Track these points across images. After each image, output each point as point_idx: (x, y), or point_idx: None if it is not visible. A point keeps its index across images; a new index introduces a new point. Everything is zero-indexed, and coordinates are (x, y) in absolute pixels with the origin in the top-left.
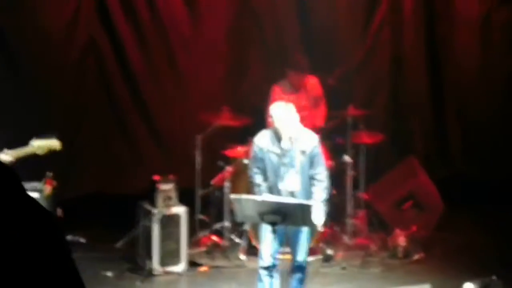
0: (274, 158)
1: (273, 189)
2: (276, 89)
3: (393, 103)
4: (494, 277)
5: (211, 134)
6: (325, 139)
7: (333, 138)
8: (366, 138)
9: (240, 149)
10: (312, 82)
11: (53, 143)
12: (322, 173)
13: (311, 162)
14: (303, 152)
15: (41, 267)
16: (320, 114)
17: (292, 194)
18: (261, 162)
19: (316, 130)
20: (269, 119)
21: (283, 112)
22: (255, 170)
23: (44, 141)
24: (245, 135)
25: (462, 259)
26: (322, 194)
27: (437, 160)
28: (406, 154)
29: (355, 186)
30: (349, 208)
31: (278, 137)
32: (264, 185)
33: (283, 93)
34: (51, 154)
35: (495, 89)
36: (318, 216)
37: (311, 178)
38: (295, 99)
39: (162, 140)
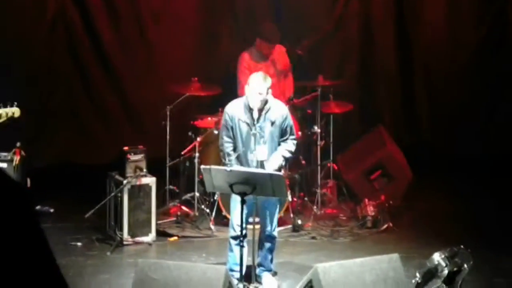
0: (244, 128)
1: (242, 159)
2: (245, 56)
3: (362, 73)
4: (461, 246)
5: (181, 104)
6: (294, 109)
7: (302, 109)
8: (335, 108)
9: (210, 120)
10: (281, 52)
11: (12, 110)
12: (291, 139)
13: (281, 133)
14: (272, 123)
15: (9, 238)
16: (289, 84)
17: (261, 164)
18: (231, 131)
19: (285, 100)
20: (240, 90)
21: (256, 84)
22: (225, 139)
23: (2, 109)
24: (215, 106)
25: (430, 229)
26: (286, 149)
27: (404, 129)
28: (374, 124)
29: (324, 156)
30: (318, 178)
31: (249, 107)
32: (233, 155)
33: (252, 61)
34: (15, 122)
35: (463, 61)
36: (272, 163)
37: (279, 144)
38: (264, 68)
39: (132, 111)
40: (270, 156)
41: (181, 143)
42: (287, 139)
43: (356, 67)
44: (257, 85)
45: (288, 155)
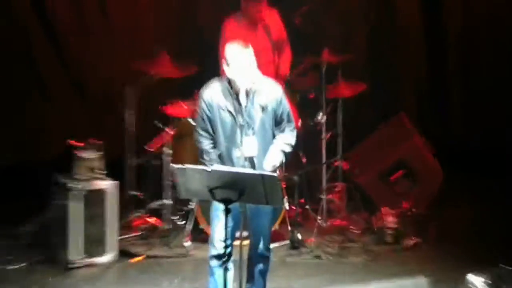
0: (227, 117)
1: (226, 157)
2: (229, 24)
3: (377, 45)
4: (501, 266)
5: (146, 87)
6: (291, 93)
7: (302, 92)
8: (345, 90)
9: (183, 106)
10: (274, 17)
11: None
12: (289, 129)
13: (275, 121)
14: (264, 108)
15: None
16: (285, 60)
17: (250, 161)
18: (209, 123)
19: (280, 80)
20: (222, 66)
21: (240, 56)
22: (202, 133)
23: None
24: (190, 88)
25: (463, 243)
26: (285, 142)
27: (432, 118)
28: (394, 111)
29: (331, 152)
30: (323, 180)
31: (232, 90)
32: (214, 152)
33: (238, 29)
34: None
35: (506, 43)
36: (269, 160)
37: (275, 136)
38: (254, 37)
39: (86, 96)
40: (263, 151)
41: (148, 136)
42: (283, 129)
43: (369, 38)
44: (238, 56)
45: (287, 149)
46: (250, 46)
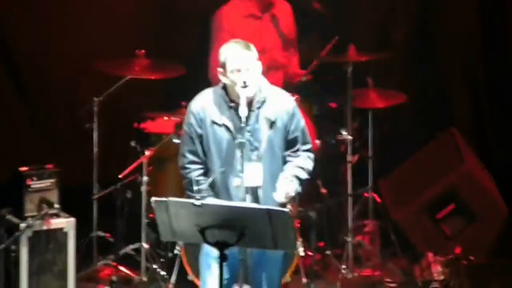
0: (224, 135)
1: (221, 187)
2: (225, 11)
3: (419, 43)
4: None
5: (118, 95)
6: (307, 103)
7: (321, 101)
8: (378, 100)
9: (166, 120)
10: (284, 8)
11: None
12: (304, 151)
13: (287, 141)
14: (272, 124)
15: None
16: (294, 60)
17: (254, 193)
18: (199, 144)
19: (291, 87)
20: (215, 69)
21: (240, 56)
22: (191, 156)
23: None
24: (175, 97)
25: None
26: (300, 167)
27: (493, 136)
28: (443, 127)
29: (359, 180)
30: (349, 218)
31: (230, 101)
32: (206, 181)
33: (238, 16)
34: None
35: None
36: (283, 187)
37: (287, 161)
38: (259, 27)
39: (39, 110)
40: (270, 180)
41: (119, 160)
42: (297, 150)
43: (410, 32)
44: (239, 56)
45: (303, 176)
46: (253, 46)
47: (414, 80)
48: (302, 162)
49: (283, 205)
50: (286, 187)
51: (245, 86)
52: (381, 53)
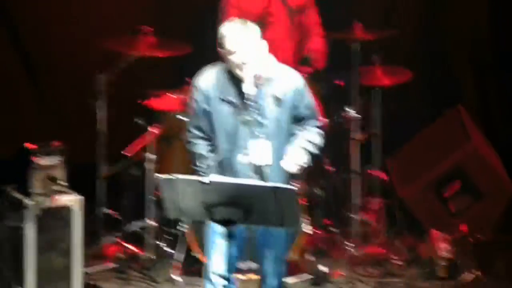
0: (229, 112)
1: (227, 165)
2: None
3: (427, 18)
4: None
5: (124, 73)
6: (313, 80)
7: (327, 79)
8: (384, 78)
9: (171, 97)
10: None
11: None
12: (313, 126)
13: (295, 118)
14: (278, 101)
15: None
16: (317, 47)
17: (260, 171)
18: (205, 119)
19: (297, 62)
20: (219, 47)
21: (236, 38)
22: (197, 132)
23: None
24: (180, 74)
25: None
26: (309, 140)
27: (500, 114)
28: (449, 104)
29: (366, 158)
30: (356, 195)
31: (235, 77)
32: (212, 158)
33: None
34: None
35: None
36: (293, 156)
37: (293, 133)
38: (265, 4)
39: (45, 87)
40: (277, 158)
41: (125, 138)
42: (306, 126)
43: (418, 7)
44: (234, 38)
45: (312, 149)
46: (251, 25)
47: (421, 58)
48: (311, 136)
49: (290, 178)
50: (295, 156)
51: (243, 66)
52: (388, 31)
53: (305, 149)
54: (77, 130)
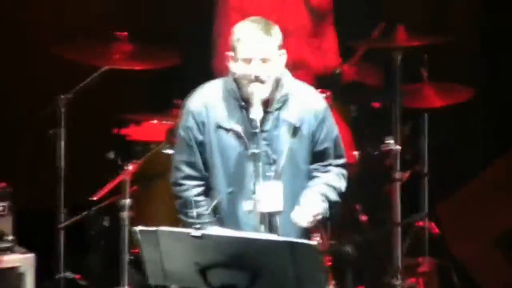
0: (233, 144)
1: (228, 212)
2: None
3: (490, 23)
4: None
5: (91, 92)
6: (341, 103)
7: (360, 100)
8: (435, 97)
9: (154, 124)
10: None
11: None
12: (336, 167)
13: (314, 153)
14: (295, 130)
15: None
16: (330, 46)
17: (269, 221)
18: (202, 151)
19: (322, 81)
20: (220, 57)
21: (254, 43)
22: (188, 169)
23: None
24: (166, 94)
25: None
26: (330, 185)
27: None
28: None
29: (410, 204)
30: (398, 253)
31: (240, 98)
32: (208, 203)
33: None
34: None
35: None
36: (308, 207)
37: (313, 176)
38: (280, 8)
39: None
40: (291, 204)
41: (93, 178)
42: (327, 165)
43: (477, 7)
44: (252, 42)
45: (333, 197)
46: (276, 29)
47: (484, 71)
48: (333, 179)
49: (307, 233)
50: (312, 206)
51: (256, 82)
52: (439, 37)
53: (326, 196)
54: (30, 168)
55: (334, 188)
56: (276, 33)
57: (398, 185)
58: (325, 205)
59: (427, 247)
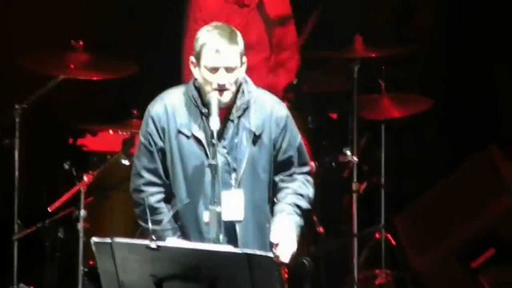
0: (194, 151)
1: (190, 221)
2: None
3: (449, 30)
4: None
5: (48, 102)
6: (299, 113)
7: (317, 110)
8: (392, 109)
9: (111, 135)
10: None
11: None
12: (302, 174)
13: (276, 161)
14: (257, 137)
15: None
16: (288, 57)
17: (231, 229)
18: (159, 159)
19: (281, 90)
20: (188, 70)
21: (221, 51)
22: (148, 176)
23: None
24: (123, 103)
25: None
26: (300, 194)
27: None
28: (479, 144)
29: (368, 216)
30: (355, 265)
31: (201, 105)
32: (168, 213)
33: (222, 5)
34: None
35: None
36: (286, 246)
37: (277, 185)
38: (240, 16)
39: None
40: (252, 213)
41: (47, 189)
42: (292, 174)
43: (435, 16)
44: (218, 50)
45: (305, 205)
46: (240, 37)
47: (441, 82)
48: (300, 188)
49: (267, 244)
50: (292, 241)
51: (220, 90)
52: (396, 47)
53: (298, 207)
54: None
55: (303, 196)
56: (240, 40)
57: (355, 196)
58: (299, 222)
59: (384, 259)
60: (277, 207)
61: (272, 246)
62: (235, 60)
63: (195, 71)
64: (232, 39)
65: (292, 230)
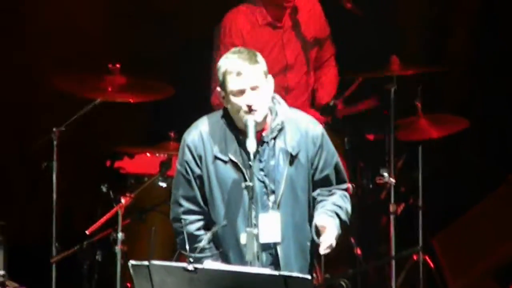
0: (231, 175)
1: (230, 244)
2: (236, 19)
3: (485, 50)
4: None
5: (85, 125)
6: (335, 135)
7: (354, 131)
8: (430, 129)
9: (148, 157)
10: (309, 3)
11: None
12: (340, 191)
13: (314, 180)
14: (293, 158)
15: None
16: (329, 78)
17: (270, 252)
18: (197, 186)
19: (318, 109)
20: (216, 91)
21: (243, 73)
22: (187, 204)
23: None
24: (160, 126)
25: None
26: (339, 205)
27: None
28: None
29: (407, 237)
30: (393, 286)
31: (236, 129)
32: (206, 237)
33: (249, 24)
34: None
35: None
36: (328, 223)
37: (315, 200)
38: (273, 38)
39: None
40: (293, 234)
41: (86, 211)
42: (331, 190)
43: (471, 36)
44: (240, 73)
45: (343, 216)
46: (260, 56)
47: (479, 102)
48: (339, 201)
49: (309, 264)
50: (330, 223)
51: (250, 111)
52: (433, 66)
53: (336, 214)
54: (22, 201)
55: (341, 208)
56: (260, 60)
57: (392, 218)
58: (338, 227)
59: (422, 281)
60: (316, 213)
61: (317, 232)
62: (259, 79)
63: (224, 101)
64: (251, 59)
65: (334, 225)
